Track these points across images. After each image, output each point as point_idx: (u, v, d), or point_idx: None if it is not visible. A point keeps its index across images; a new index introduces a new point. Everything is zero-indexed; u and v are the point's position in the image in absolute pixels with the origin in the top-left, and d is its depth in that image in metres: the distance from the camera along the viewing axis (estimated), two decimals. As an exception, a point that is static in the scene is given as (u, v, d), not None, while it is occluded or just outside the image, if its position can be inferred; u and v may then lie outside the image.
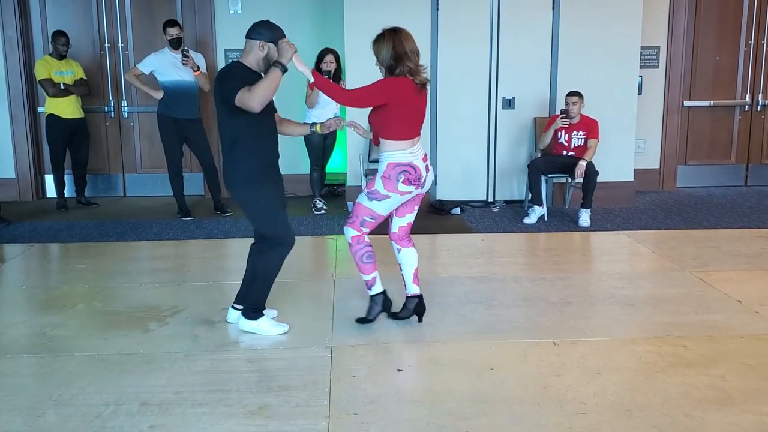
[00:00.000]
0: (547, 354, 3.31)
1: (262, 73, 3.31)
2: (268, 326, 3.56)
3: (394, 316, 3.70)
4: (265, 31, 3.31)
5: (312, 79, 3.35)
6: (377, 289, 3.60)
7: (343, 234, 3.57)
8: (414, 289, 3.66)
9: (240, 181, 3.38)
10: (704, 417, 2.72)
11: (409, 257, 3.63)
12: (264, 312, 3.58)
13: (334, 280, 4.44)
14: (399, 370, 3.18)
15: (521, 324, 3.70)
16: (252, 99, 3.14)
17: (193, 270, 4.76)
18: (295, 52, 3.25)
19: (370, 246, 3.54)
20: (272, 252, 3.45)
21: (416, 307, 3.67)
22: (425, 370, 3.17)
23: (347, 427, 2.66)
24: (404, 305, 3.70)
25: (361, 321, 3.65)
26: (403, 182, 3.36)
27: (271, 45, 3.28)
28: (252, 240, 3.66)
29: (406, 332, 3.60)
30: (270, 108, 3.40)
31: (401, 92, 3.34)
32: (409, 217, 3.60)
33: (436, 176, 6.60)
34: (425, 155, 3.48)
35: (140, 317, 3.84)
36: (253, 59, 3.33)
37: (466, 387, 2.98)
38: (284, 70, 3.20)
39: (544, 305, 3.97)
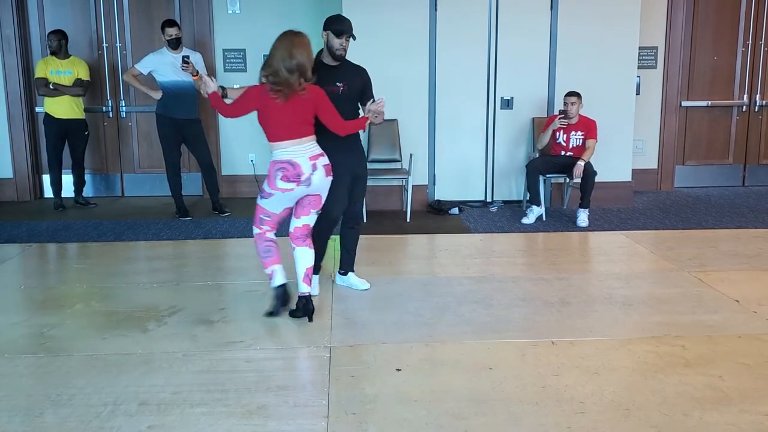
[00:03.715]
0: (545, 354, 3.31)
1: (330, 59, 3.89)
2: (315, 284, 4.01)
3: (291, 313, 3.74)
4: (325, 22, 3.89)
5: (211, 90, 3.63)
6: (277, 282, 3.68)
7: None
8: (303, 288, 3.72)
9: None
10: (702, 417, 2.72)
11: (300, 256, 3.73)
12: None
13: (333, 280, 4.44)
14: (398, 370, 3.18)
15: (520, 324, 3.70)
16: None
17: (192, 270, 4.76)
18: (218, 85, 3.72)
19: (271, 242, 3.69)
20: (324, 221, 3.88)
21: (304, 307, 3.72)
22: (424, 370, 3.17)
23: (346, 427, 2.66)
24: (296, 304, 3.75)
25: (268, 315, 3.77)
26: (281, 179, 3.51)
27: (329, 33, 3.83)
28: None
29: (405, 332, 3.60)
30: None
31: (261, 99, 3.50)
32: (306, 219, 3.72)
33: (434, 176, 6.64)
34: (318, 155, 3.56)
35: (138, 317, 3.84)
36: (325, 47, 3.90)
37: (465, 387, 2.98)
38: (223, 95, 3.78)
39: (542, 305, 3.97)
